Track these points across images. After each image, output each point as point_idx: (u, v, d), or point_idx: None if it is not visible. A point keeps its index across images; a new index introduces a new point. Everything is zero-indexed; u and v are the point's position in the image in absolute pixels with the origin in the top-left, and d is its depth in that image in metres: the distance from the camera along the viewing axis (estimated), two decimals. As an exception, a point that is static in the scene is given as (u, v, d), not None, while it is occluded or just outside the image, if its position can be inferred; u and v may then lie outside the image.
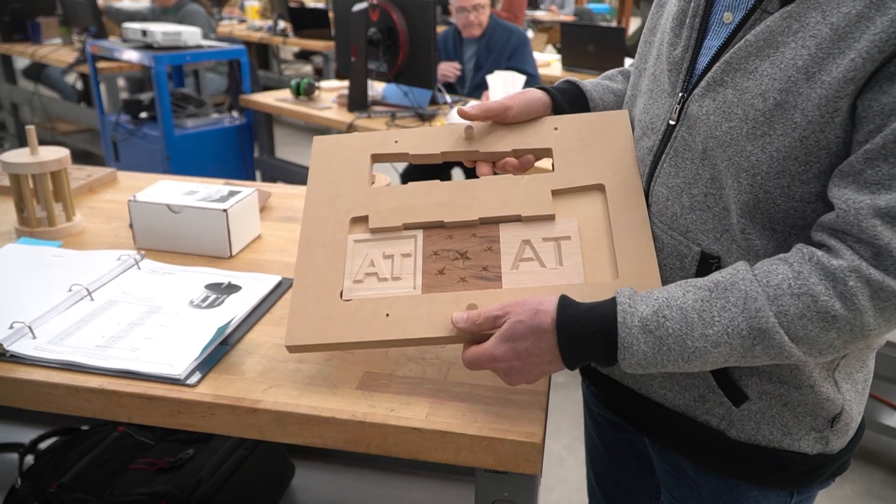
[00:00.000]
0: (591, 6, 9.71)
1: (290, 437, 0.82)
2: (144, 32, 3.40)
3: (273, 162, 3.68)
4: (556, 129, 0.95)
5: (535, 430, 0.78)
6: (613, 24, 8.83)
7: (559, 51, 4.66)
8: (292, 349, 0.84)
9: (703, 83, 0.78)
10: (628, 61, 3.79)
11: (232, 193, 1.22)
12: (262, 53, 6.95)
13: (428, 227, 0.91)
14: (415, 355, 0.91)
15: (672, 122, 0.82)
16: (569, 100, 1.00)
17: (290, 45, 5.89)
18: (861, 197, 0.66)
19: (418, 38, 2.97)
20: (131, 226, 1.22)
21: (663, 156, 0.84)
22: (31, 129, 1.21)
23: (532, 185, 0.91)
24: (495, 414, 0.80)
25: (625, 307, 0.73)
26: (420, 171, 3.37)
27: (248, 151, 3.72)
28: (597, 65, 4.04)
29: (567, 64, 4.26)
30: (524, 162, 0.95)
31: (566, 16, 8.03)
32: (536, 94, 0.98)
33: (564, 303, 0.75)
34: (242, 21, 6.41)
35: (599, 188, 0.90)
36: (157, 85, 3.29)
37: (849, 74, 0.66)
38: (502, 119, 0.96)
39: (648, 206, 0.87)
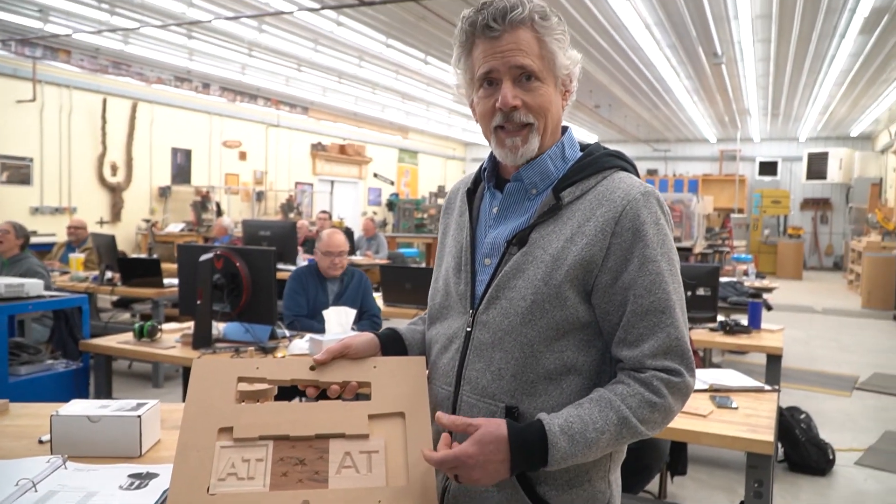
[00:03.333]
0: (402, 251, 10.87)
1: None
2: (-15, 285, 3.54)
3: (110, 403, 3.75)
4: (374, 367, 1.29)
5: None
6: (423, 265, 9.94)
7: (377, 289, 5.28)
8: None
9: (484, 302, 1.26)
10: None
11: (140, 405, 1.51)
12: (82, 303, 6.97)
13: (277, 438, 1.17)
14: None
15: (469, 329, 1.29)
16: (391, 341, 1.41)
17: (119, 294, 6.06)
18: (632, 353, 1.17)
19: (259, 281, 3.40)
20: (42, 440, 1.45)
21: (468, 351, 1.28)
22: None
23: (355, 410, 1.22)
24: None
25: (546, 420, 1.13)
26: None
27: (83, 394, 3.77)
28: (413, 299, 4.63)
29: (388, 300, 4.82)
30: (350, 388, 1.30)
31: (381, 259, 8.93)
32: (370, 336, 1.39)
33: (510, 424, 1.13)
34: (65, 272, 6.51)
35: (401, 415, 1.23)
36: (-5, 334, 3.38)
37: (567, 278, 1.18)
38: (344, 356, 1.32)
39: (463, 385, 1.28)
